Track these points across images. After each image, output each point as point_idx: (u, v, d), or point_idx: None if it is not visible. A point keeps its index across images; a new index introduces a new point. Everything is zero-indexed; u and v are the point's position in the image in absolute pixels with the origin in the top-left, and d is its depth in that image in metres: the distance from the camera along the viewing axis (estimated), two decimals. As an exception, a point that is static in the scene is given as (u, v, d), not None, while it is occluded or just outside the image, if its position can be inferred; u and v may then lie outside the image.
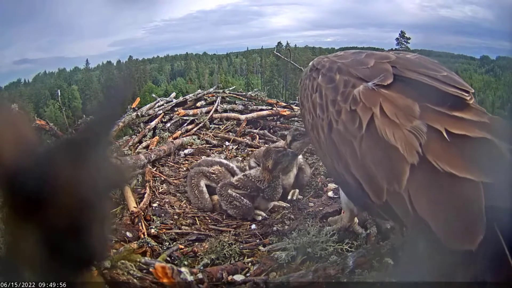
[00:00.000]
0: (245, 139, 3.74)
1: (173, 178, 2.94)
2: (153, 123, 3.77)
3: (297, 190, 2.59)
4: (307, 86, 1.60)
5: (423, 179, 1.02)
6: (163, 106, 4.09)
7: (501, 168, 0.98)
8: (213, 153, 3.50)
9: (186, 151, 3.46)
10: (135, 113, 3.79)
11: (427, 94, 1.15)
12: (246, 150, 3.57)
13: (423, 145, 1.04)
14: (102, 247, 0.66)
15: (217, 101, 4.27)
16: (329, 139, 1.37)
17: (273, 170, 2.29)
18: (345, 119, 1.27)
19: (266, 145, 3.43)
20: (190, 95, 4.43)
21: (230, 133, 3.92)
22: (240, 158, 3.28)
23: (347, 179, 1.28)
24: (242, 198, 2.32)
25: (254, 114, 4.08)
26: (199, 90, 4.56)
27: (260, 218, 2.33)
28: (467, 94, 1.18)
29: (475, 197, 0.94)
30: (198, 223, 2.30)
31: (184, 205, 2.52)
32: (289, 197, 2.53)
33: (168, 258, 1.79)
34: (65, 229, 0.59)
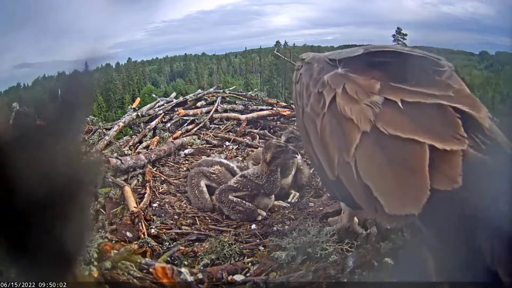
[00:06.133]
0: (246, 139, 3.74)
1: (173, 178, 2.94)
2: (153, 123, 3.78)
3: (297, 193, 2.60)
4: (294, 78, 1.70)
5: (369, 145, 1.06)
6: (163, 106, 4.09)
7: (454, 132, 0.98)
8: (213, 153, 3.50)
9: (186, 151, 3.46)
10: (135, 113, 3.79)
11: (392, 73, 1.20)
12: (246, 150, 3.57)
13: (377, 115, 1.09)
14: (76, 243, 0.66)
15: (217, 101, 4.28)
16: (301, 124, 1.47)
17: (270, 163, 2.31)
18: (313, 101, 1.36)
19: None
20: (190, 95, 4.44)
21: (230, 133, 3.92)
22: (241, 158, 3.28)
23: (316, 163, 1.34)
24: (244, 202, 2.32)
25: (254, 114, 4.09)
26: (200, 90, 4.56)
27: (260, 217, 2.33)
28: (440, 60, 1.23)
29: (419, 158, 0.94)
30: (198, 223, 2.30)
31: (184, 205, 2.52)
32: (288, 200, 2.54)
33: (168, 258, 1.79)
34: (30, 222, 0.58)
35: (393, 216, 0.94)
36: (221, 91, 4.56)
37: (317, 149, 1.29)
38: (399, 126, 1.03)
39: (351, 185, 1.10)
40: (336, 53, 1.48)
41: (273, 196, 2.43)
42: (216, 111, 4.17)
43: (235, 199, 2.33)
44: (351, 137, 1.10)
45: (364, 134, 1.08)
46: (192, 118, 4.02)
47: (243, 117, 4.04)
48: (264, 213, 2.36)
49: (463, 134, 0.97)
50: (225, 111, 4.23)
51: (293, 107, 4.02)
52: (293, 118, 3.98)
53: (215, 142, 3.73)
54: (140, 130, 3.69)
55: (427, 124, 1.01)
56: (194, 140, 3.68)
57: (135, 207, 2.16)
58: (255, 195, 2.37)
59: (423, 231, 0.95)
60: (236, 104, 4.37)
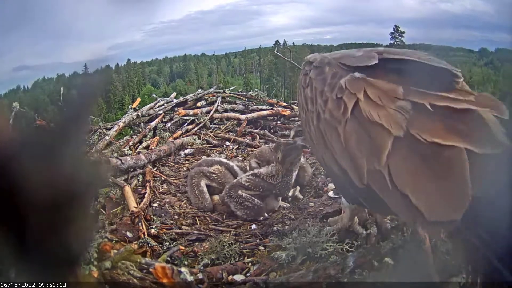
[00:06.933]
0: (246, 139, 3.74)
1: (174, 178, 2.94)
2: (153, 123, 3.78)
3: (298, 188, 2.60)
4: (300, 82, 1.65)
5: (404, 153, 1.03)
6: (163, 106, 4.09)
7: (486, 137, 0.98)
8: (213, 153, 3.50)
9: (186, 151, 3.46)
10: (135, 113, 3.79)
11: (411, 78, 1.17)
12: (246, 150, 3.57)
13: (408, 121, 1.06)
14: (78, 246, 0.65)
15: (217, 101, 4.28)
16: (317, 130, 1.41)
17: (282, 162, 2.33)
18: (331, 107, 1.31)
19: (266, 145, 3.44)
20: (191, 95, 4.44)
21: (231, 133, 3.92)
22: (241, 158, 3.28)
23: (335, 170, 1.31)
24: (253, 198, 2.31)
25: (255, 114, 4.08)
26: (200, 90, 4.56)
27: (261, 218, 2.33)
28: (457, 71, 1.22)
29: (459, 164, 0.94)
30: (199, 223, 2.30)
31: (185, 205, 2.52)
32: (289, 194, 2.53)
33: (168, 258, 1.80)
34: (31, 225, 0.58)
35: (434, 223, 0.93)
36: (221, 91, 4.57)
37: (341, 157, 1.24)
38: (435, 132, 1.00)
39: (384, 194, 1.06)
40: (346, 56, 1.44)
41: (280, 198, 2.43)
42: (216, 111, 4.17)
43: (244, 194, 2.33)
44: (382, 144, 1.06)
45: (396, 140, 1.04)
46: (192, 118, 4.02)
47: (243, 117, 4.04)
48: (266, 214, 2.36)
49: (500, 137, 0.98)
50: (225, 111, 4.23)
51: (293, 107, 4.02)
52: (293, 118, 3.98)
53: (215, 142, 3.73)
54: (140, 130, 3.69)
55: (462, 129, 1.00)
56: (194, 140, 3.68)
57: (135, 207, 2.16)
58: (265, 196, 2.36)
59: (464, 234, 0.94)
60: (236, 104, 4.37)
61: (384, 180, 1.04)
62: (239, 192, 2.34)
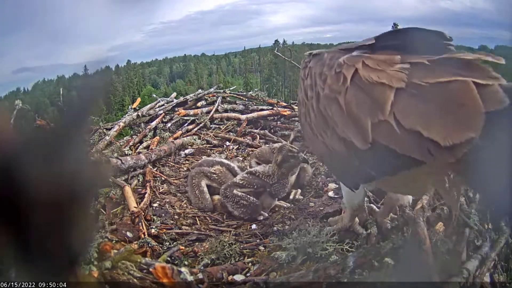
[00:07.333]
0: (246, 139, 3.74)
1: (174, 178, 2.94)
2: (153, 123, 3.78)
3: (299, 190, 2.60)
4: (300, 76, 1.69)
5: (407, 99, 1.06)
6: (163, 106, 4.09)
7: (488, 73, 1.02)
8: (213, 153, 3.50)
9: (186, 151, 3.46)
10: (135, 113, 3.79)
11: (407, 49, 1.21)
12: (246, 150, 3.57)
13: (408, 75, 1.10)
14: (79, 246, 0.65)
15: (217, 101, 4.28)
16: (318, 112, 1.44)
17: (280, 165, 2.36)
18: (330, 82, 1.35)
19: (267, 145, 3.44)
20: (191, 95, 4.44)
21: (231, 133, 3.92)
22: (241, 158, 3.28)
23: (337, 148, 1.33)
24: (248, 196, 2.33)
25: (255, 114, 4.08)
26: (200, 90, 4.56)
27: (261, 218, 2.33)
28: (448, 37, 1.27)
29: (467, 90, 0.97)
30: (199, 223, 2.30)
31: (185, 205, 2.52)
32: (291, 197, 2.54)
33: (168, 258, 1.80)
34: (33, 225, 0.58)
35: (451, 148, 0.95)
36: (222, 91, 4.57)
37: (343, 126, 1.26)
38: (437, 77, 1.03)
39: (392, 141, 1.08)
40: (343, 45, 1.49)
41: (276, 198, 2.44)
42: (217, 111, 4.17)
43: (239, 193, 2.35)
44: (384, 97, 1.10)
45: (398, 91, 1.08)
46: (192, 118, 4.02)
47: (243, 117, 4.04)
48: (266, 214, 2.37)
49: (496, 75, 1.01)
50: (226, 111, 4.23)
51: (293, 107, 4.02)
52: (293, 118, 3.98)
53: (215, 142, 3.73)
54: (141, 130, 3.69)
55: (461, 71, 1.03)
56: (195, 140, 3.68)
57: (135, 207, 2.16)
58: (260, 193, 2.38)
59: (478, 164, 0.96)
60: (236, 104, 4.37)
61: (390, 128, 1.06)
62: (234, 191, 2.36)
